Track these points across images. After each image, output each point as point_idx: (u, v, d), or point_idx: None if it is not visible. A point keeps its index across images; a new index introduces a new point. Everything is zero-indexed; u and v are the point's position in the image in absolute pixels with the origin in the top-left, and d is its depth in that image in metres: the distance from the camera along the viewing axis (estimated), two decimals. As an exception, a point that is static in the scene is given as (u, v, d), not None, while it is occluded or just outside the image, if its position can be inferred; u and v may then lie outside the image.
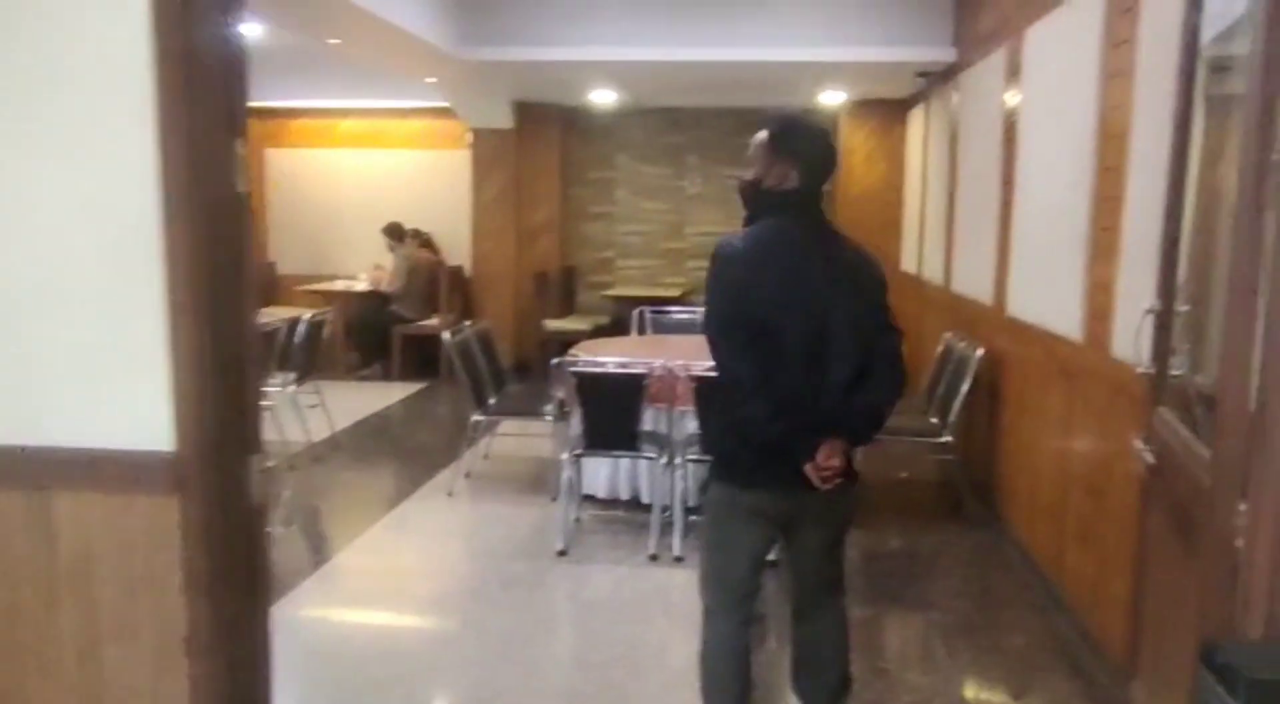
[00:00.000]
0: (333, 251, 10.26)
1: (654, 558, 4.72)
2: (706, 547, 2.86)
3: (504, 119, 9.43)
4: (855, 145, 9.16)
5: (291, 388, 6.42)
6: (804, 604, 2.91)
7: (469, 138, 9.61)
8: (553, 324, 9.29)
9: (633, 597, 4.32)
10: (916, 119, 8.49)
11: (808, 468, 2.57)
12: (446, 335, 5.63)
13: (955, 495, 5.59)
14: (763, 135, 2.82)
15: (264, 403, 3.20)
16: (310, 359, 6.59)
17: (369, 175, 10.21)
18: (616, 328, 8.67)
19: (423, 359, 9.47)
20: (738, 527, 2.74)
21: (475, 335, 5.96)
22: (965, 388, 5.13)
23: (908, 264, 8.61)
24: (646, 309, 7.03)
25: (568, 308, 9.91)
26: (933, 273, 7.38)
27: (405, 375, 9.17)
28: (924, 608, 4.25)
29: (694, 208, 10.01)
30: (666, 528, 4.85)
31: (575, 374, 4.70)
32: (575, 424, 4.90)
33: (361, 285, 9.45)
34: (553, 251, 9.86)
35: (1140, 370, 2.96)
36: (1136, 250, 3.38)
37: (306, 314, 6.69)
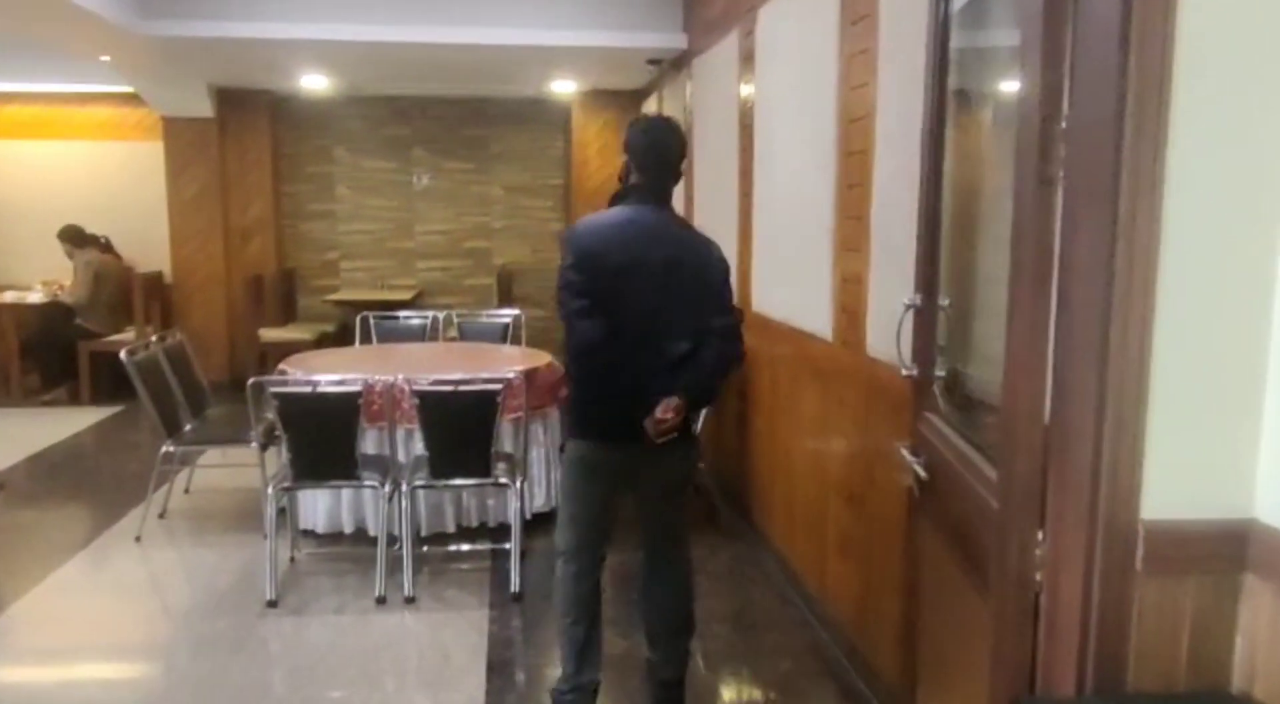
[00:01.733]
0: (2, 260, 8.89)
1: (381, 601, 4.14)
2: (563, 496, 3.20)
3: (201, 106, 8.43)
4: (588, 138, 8.83)
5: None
6: (650, 550, 3.25)
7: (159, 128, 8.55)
8: (270, 334, 8.41)
9: (356, 651, 3.72)
10: (650, 110, 8.25)
11: (646, 422, 2.87)
12: (124, 354, 4.79)
13: (708, 504, 5.32)
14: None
15: None
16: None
17: (42, 170, 8.91)
18: (344, 336, 7.93)
19: (117, 379, 8.33)
20: (587, 476, 3.07)
21: (164, 351, 5.15)
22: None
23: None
24: (371, 315, 6.37)
25: (289, 315, 9.03)
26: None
27: (97, 399, 8.02)
28: (681, 633, 3.91)
29: (424, 205, 9.37)
30: (396, 565, 4.27)
31: (277, 396, 4.04)
32: (284, 451, 4.24)
33: (36, 297, 8.20)
34: (268, 253, 8.95)
35: (904, 372, 2.70)
36: (889, 240, 3.14)
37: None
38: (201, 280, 8.68)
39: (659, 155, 3.02)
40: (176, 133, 8.51)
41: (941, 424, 2.48)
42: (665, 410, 2.87)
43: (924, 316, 2.65)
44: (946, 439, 2.41)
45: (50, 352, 8.13)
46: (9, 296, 8.14)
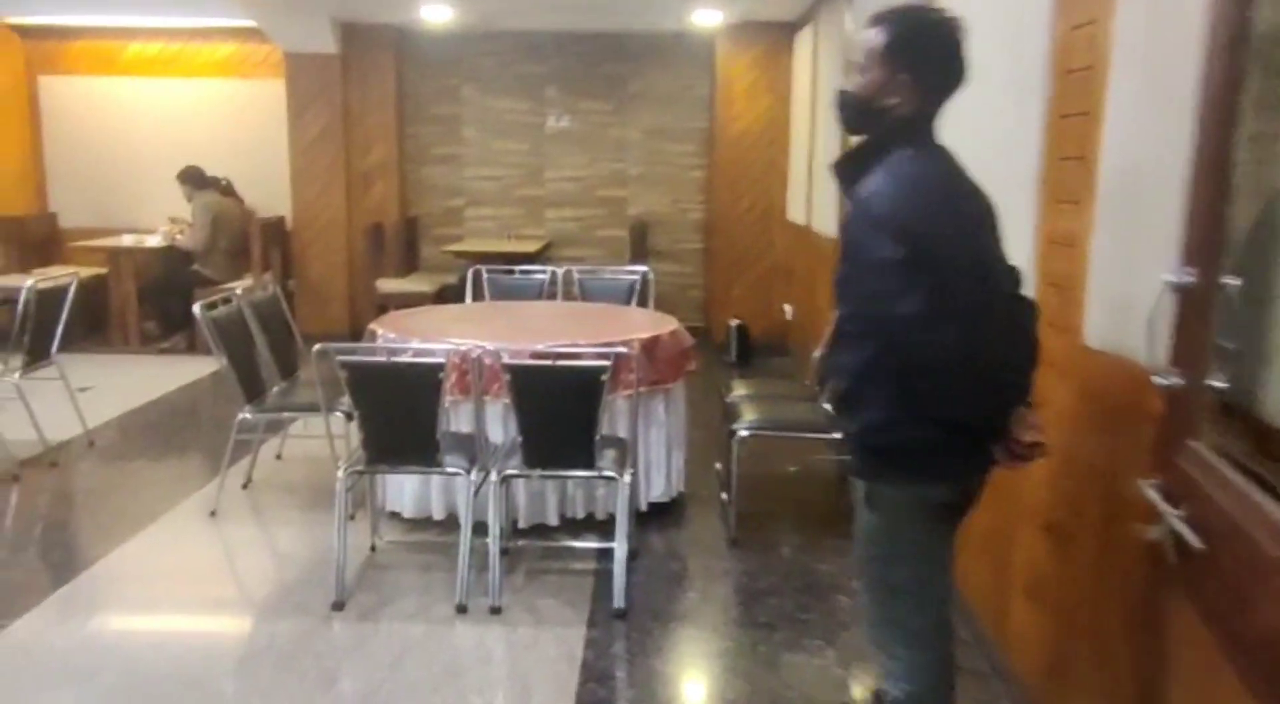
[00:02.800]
0: (124, 201, 8.67)
1: (462, 610, 3.52)
2: (904, 559, 2.20)
3: (325, 42, 7.94)
4: (734, 76, 7.97)
5: (16, 373, 4.99)
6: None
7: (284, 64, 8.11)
8: (388, 285, 7.93)
9: (420, 678, 3.11)
10: (804, 44, 7.33)
11: (1009, 445, 2.08)
12: (197, 309, 4.30)
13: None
14: (876, 36, 2.10)
15: None
16: (44, 334, 5.13)
17: (164, 108, 8.62)
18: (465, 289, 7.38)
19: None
20: (935, 528, 2.19)
21: (252, 305, 4.64)
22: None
23: (795, 213, 7.51)
24: (484, 269, 5.76)
25: (410, 265, 8.55)
26: (825, 225, 6.28)
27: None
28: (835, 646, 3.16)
29: (556, 149, 8.71)
30: (485, 563, 3.65)
31: (345, 366, 3.43)
32: (357, 429, 3.65)
33: (155, 240, 7.92)
34: (390, 200, 8.46)
35: (1156, 380, 1.87)
36: (1128, 189, 2.27)
37: (61, 275, 5.25)
38: (322, 227, 8.25)
39: (958, 68, 2.09)
40: (299, 70, 8.05)
41: (1225, 466, 1.65)
42: (1031, 426, 2.09)
43: (1195, 301, 1.81)
44: (1238, 491, 1.57)
45: (168, 298, 7.86)
46: (127, 240, 7.88)
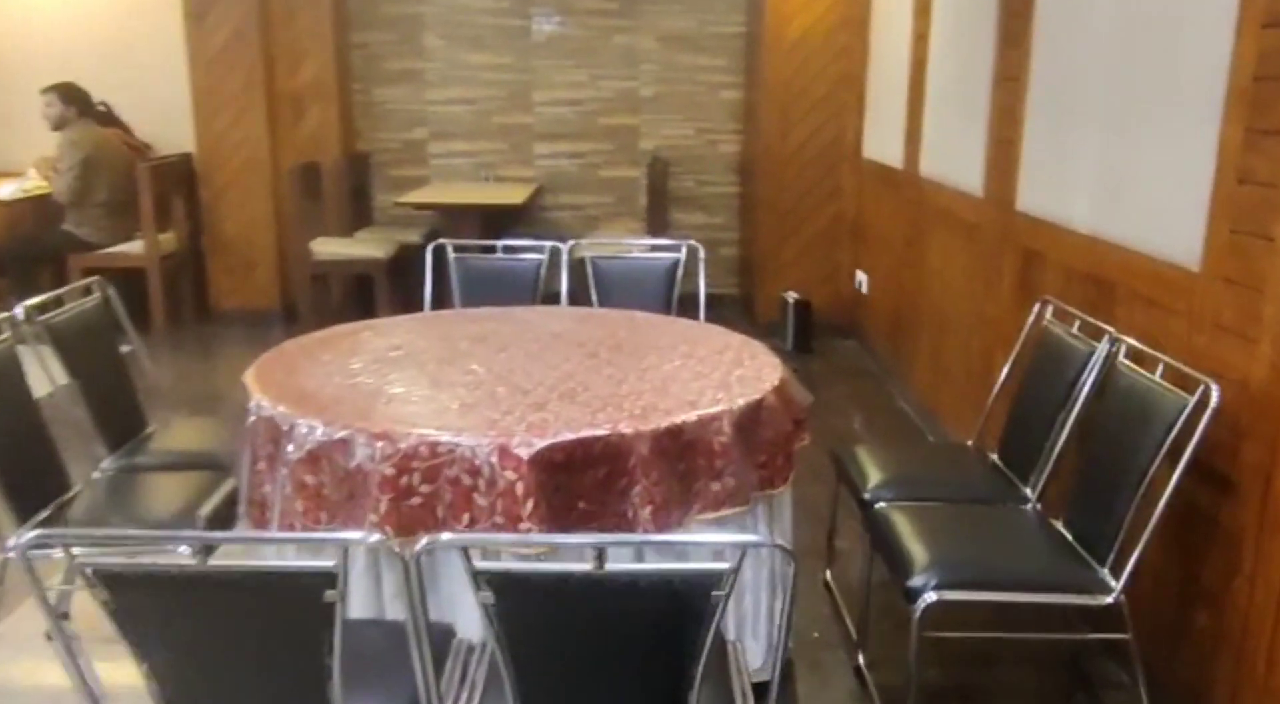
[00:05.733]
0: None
1: None
2: None
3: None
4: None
5: None
6: None
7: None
8: (327, 247, 5.93)
9: None
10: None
11: None
12: None
13: None
14: None
15: None
16: None
17: (32, 20, 6.46)
18: (425, 254, 5.41)
19: (126, 304, 6.08)
20: None
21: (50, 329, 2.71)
22: (1172, 481, 2.12)
23: (879, 148, 5.52)
24: (449, 247, 3.78)
25: (360, 218, 6.54)
26: (953, 172, 4.31)
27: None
28: None
29: (546, 62, 6.65)
30: None
31: (98, 575, 1.48)
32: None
33: (8, 190, 5.85)
34: (329, 131, 6.38)
35: None
36: None
37: None
38: (237, 169, 6.19)
39: None
40: (198, -46, 5.94)
41: None
42: None
43: None
44: None
45: (30, 267, 5.86)
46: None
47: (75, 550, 1.41)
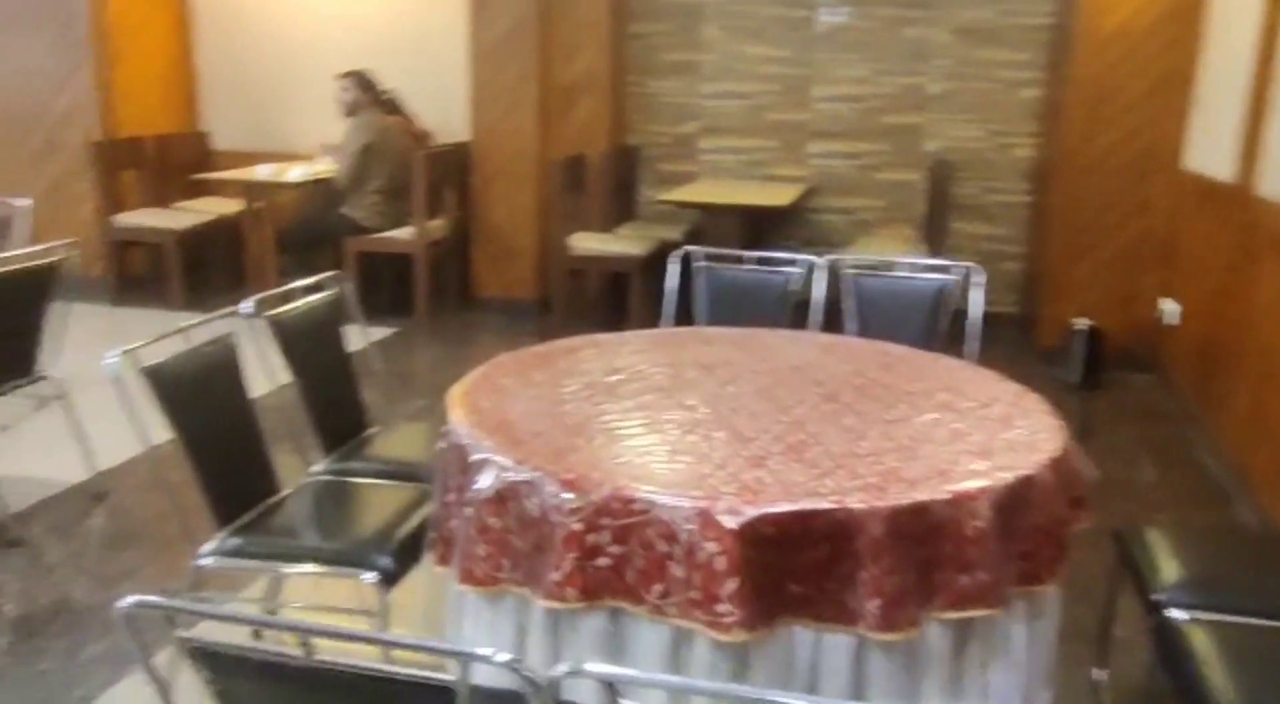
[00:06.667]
0: (284, 120, 6.96)
1: None
2: None
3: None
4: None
5: None
6: None
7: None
8: (584, 243, 5.83)
9: None
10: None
11: None
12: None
13: None
14: None
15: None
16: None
17: (324, 10, 6.76)
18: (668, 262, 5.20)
19: (393, 291, 6.31)
20: None
21: (277, 323, 2.67)
22: None
23: (1203, 159, 4.76)
24: (702, 254, 3.52)
25: (623, 213, 6.42)
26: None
27: (369, 312, 5.92)
28: None
29: (826, 55, 6.25)
30: None
31: (205, 657, 1.31)
32: None
33: (298, 174, 6.14)
34: (598, 124, 6.29)
35: None
36: None
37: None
38: (505, 160, 6.21)
39: None
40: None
41: None
42: None
43: None
44: None
45: (310, 248, 6.13)
46: (262, 172, 6.12)
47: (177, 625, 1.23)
